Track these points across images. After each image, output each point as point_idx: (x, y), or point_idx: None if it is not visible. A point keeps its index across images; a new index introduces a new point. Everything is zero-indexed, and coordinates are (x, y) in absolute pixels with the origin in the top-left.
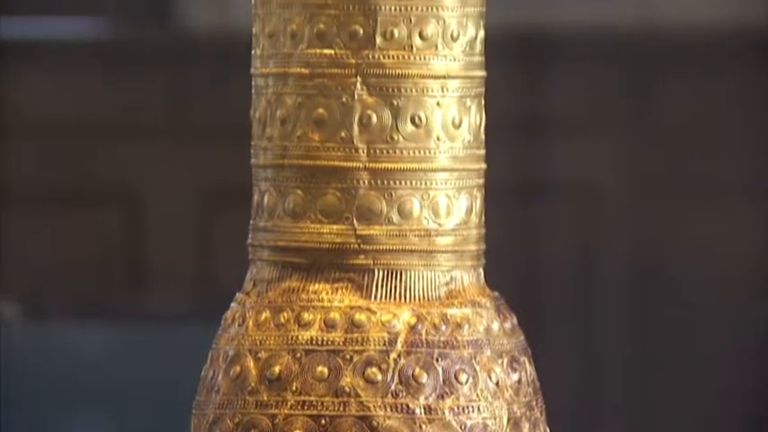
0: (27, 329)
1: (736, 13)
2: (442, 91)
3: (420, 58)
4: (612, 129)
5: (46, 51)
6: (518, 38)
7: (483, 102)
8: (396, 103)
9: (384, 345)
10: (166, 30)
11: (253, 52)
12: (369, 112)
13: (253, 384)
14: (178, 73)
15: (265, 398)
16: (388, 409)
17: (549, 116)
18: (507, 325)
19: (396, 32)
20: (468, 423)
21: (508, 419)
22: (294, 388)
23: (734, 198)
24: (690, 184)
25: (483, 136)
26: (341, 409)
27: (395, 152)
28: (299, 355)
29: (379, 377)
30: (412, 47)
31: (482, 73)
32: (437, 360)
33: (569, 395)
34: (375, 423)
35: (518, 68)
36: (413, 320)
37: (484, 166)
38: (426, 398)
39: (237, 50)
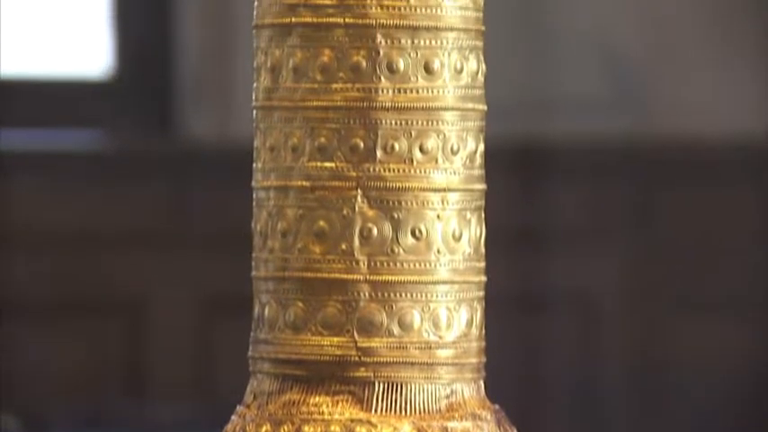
0: None
1: (737, 126)
2: (443, 204)
3: (420, 172)
4: (613, 241)
5: (48, 163)
6: (518, 149)
7: (483, 214)
8: (396, 215)
9: None
10: (168, 140)
11: (254, 165)
12: (369, 224)
13: None
14: (180, 183)
15: None
16: None
17: (549, 228)
18: None
19: (396, 146)
20: None
21: None
22: None
23: (733, 311)
24: (689, 296)
25: (483, 248)
26: None
27: (395, 265)
28: None
29: None
30: (412, 160)
31: (482, 186)
32: None
33: None
34: None
35: (518, 179)
36: None
37: (484, 278)
38: None
39: (239, 160)
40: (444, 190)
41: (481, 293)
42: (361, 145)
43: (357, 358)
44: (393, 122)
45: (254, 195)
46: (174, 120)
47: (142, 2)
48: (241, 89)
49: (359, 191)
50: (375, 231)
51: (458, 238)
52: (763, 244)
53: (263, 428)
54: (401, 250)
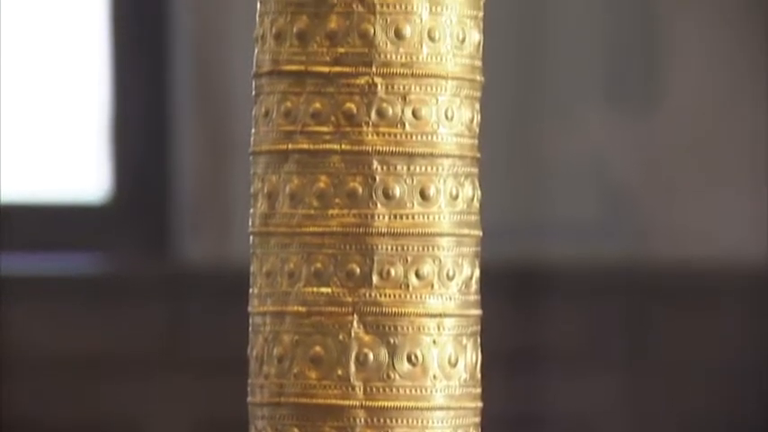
0: None
1: (734, 249)
2: (438, 329)
3: (416, 297)
4: (610, 363)
5: (45, 286)
6: (514, 272)
7: (479, 339)
8: (392, 341)
9: None
10: (166, 263)
11: (251, 291)
12: (365, 350)
13: None
14: (177, 306)
15: None
16: None
17: (547, 350)
18: None
19: (392, 271)
20: None
21: None
22: None
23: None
24: (689, 418)
25: (479, 374)
26: None
27: (391, 390)
28: None
29: None
30: (408, 286)
31: (478, 311)
32: None
33: None
34: None
35: (515, 302)
36: None
37: (480, 404)
38: None
39: (236, 284)
40: (440, 315)
41: (477, 419)
42: (358, 270)
43: None
44: (389, 248)
45: (251, 321)
46: (171, 243)
47: (140, 126)
48: (238, 213)
49: (355, 316)
50: (371, 357)
51: (454, 364)
52: (759, 367)
53: None
54: (397, 376)
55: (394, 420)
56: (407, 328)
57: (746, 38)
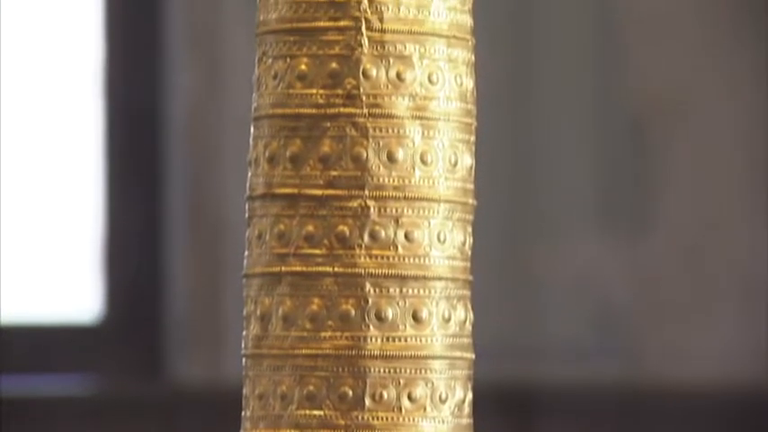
0: None
1: (728, 369)
2: None
3: (409, 420)
4: None
5: (37, 407)
6: (507, 393)
7: None
8: None
9: None
10: (158, 384)
11: (243, 413)
12: None
13: None
14: (169, 427)
15: None
16: None
17: None
18: None
19: (385, 394)
20: None
21: None
22: None
23: None
24: None
25: None
26: None
27: None
28: None
29: None
30: (401, 408)
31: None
32: None
33: None
34: None
35: (508, 424)
36: None
37: None
38: None
39: (228, 406)
40: None
41: None
42: (350, 393)
43: None
44: (381, 371)
45: None
46: (164, 364)
47: (132, 246)
48: (231, 334)
49: None
50: None
51: None
52: None
53: None
54: None
55: None
56: None
57: (737, 158)
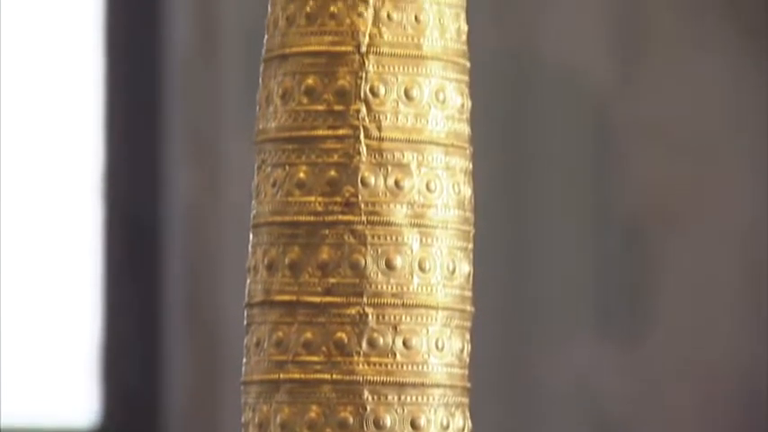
0: None
1: None
2: None
3: None
4: None
5: None
6: None
7: None
8: None
9: None
10: None
11: None
12: None
13: None
14: None
15: None
16: None
17: None
18: None
19: None
20: None
21: None
22: None
23: None
24: None
25: None
26: None
27: None
28: None
29: None
30: None
31: None
32: None
33: None
34: None
35: None
36: None
37: None
38: None
39: None
40: None
41: None
42: None
43: None
44: None
45: None
46: None
47: (130, 350)
48: None
49: None
50: None
51: None
52: None
53: None
54: None
55: None
56: None
57: (734, 264)
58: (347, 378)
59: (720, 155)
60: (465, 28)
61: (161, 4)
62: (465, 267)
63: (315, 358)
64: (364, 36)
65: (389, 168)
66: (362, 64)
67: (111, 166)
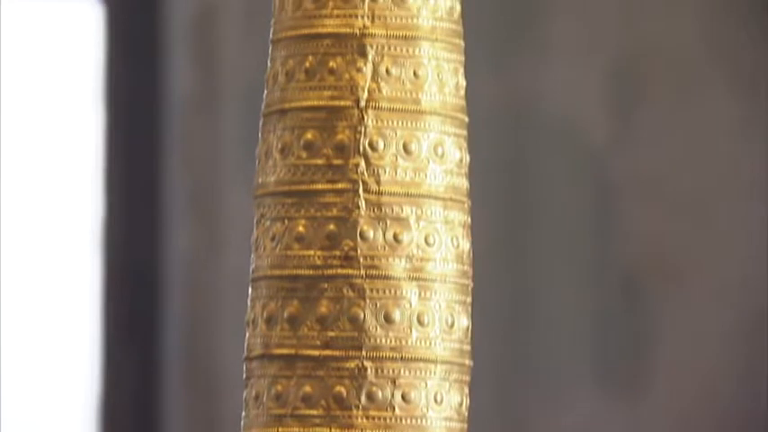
0: None
1: None
2: None
3: None
4: None
5: None
6: None
7: None
8: None
9: None
10: None
11: None
12: None
13: None
14: None
15: None
16: None
17: None
18: None
19: None
20: None
21: None
22: None
23: None
24: None
25: None
26: None
27: None
28: None
29: None
30: None
31: None
32: None
33: None
34: None
35: None
36: None
37: None
38: None
39: None
40: None
41: None
42: None
43: None
44: None
45: None
46: None
47: (128, 406)
48: None
49: None
50: None
51: None
52: None
53: None
54: None
55: None
56: None
57: (731, 319)
58: None
59: (718, 209)
60: (463, 83)
61: (161, 58)
62: (464, 321)
63: (314, 412)
64: (363, 91)
65: (388, 222)
66: (361, 118)
67: (111, 219)
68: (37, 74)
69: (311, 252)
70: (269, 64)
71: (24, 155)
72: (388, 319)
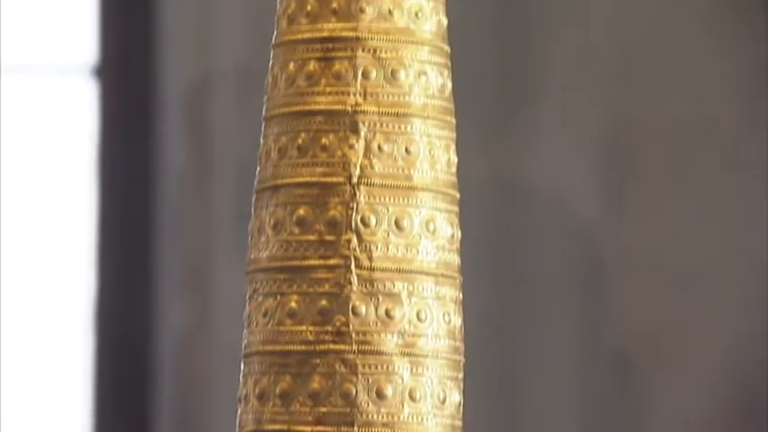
0: None
1: None
2: None
3: None
4: None
5: None
6: None
7: None
8: None
9: None
10: None
11: None
12: None
13: None
14: None
15: None
16: None
17: None
18: None
19: None
20: None
21: None
22: None
23: None
24: None
25: None
26: None
27: None
28: None
29: None
30: None
31: None
32: None
33: None
34: None
35: None
36: None
37: None
38: None
39: None
40: None
41: None
42: None
43: None
44: None
45: None
46: None
47: None
48: None
49: None
50: None
51: None
52: None
53: None
54: None
55: None
56: None
57: (721, 394)
58: None
59: (709, 285)
60: (455, 159)
61: (155, 132)
62: (455, 397)
63: None
64: (355, 167)
65: (380, 298)
66: (353, 194)
67: (104, 293)
68: (31, 147)
69: (303, 327)
70: (262, 141)
71: (19, 228)
72: (380, 395)
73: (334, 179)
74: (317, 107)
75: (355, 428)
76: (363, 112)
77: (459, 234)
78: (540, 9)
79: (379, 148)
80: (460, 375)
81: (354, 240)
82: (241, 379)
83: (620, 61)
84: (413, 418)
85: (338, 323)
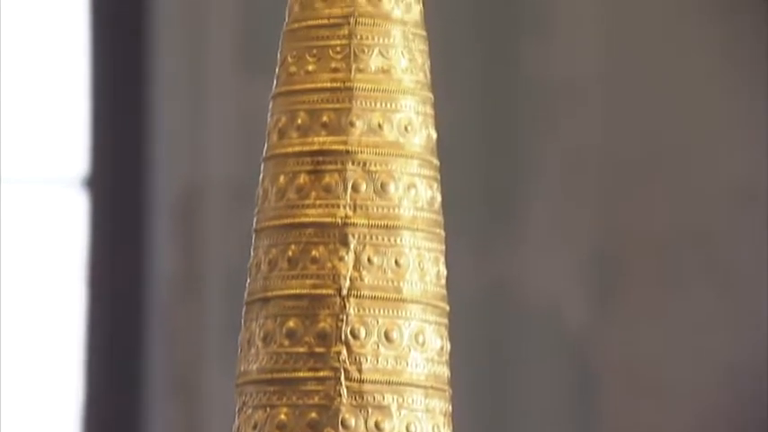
0: None
1: None
2: None
3: None
4: None
5: None
6: None
7: None
8: None
9: None
10: None
11: None
12: None
13: None
14: None
15: None
16: None
17: None
18: None
19: None
20: None
21: None
22: None
23: None
24: None
25: None
26: None
27: None
28: None
29: None
30: None
31: None
32: None
33: None
34: None
35: None
36: None
37: None
38: None
39: None
40: None
41: None
42: None
43: None
44: None
45: None
46: None
47: None
48: None
49: None
50: None
51: None
52: None
53: None
54: None
55: None
56: None
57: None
58: None
59: (699, 396)
60: (444, 271)
61: (144, 243)
62: None
63: None
64: (345, 279)
65: (370, 410)
66: (343, 307)
67: (92, 403)
68: (23, 255)
69: None
70: (252, 252)
71: (7, 336)
72: None
73: (324, 291)
74: (307, 219)
75: None
76: (353, 225)
77: (448, 346)
78: (528, 117)
79: (369, 260)
80: None
81: (344, 352)
82: None
83: (608, 169)
84: None
85: None
